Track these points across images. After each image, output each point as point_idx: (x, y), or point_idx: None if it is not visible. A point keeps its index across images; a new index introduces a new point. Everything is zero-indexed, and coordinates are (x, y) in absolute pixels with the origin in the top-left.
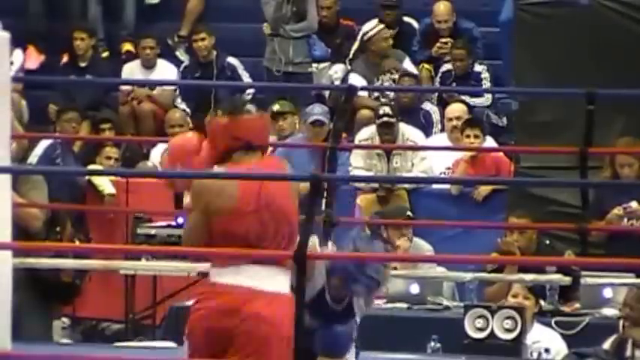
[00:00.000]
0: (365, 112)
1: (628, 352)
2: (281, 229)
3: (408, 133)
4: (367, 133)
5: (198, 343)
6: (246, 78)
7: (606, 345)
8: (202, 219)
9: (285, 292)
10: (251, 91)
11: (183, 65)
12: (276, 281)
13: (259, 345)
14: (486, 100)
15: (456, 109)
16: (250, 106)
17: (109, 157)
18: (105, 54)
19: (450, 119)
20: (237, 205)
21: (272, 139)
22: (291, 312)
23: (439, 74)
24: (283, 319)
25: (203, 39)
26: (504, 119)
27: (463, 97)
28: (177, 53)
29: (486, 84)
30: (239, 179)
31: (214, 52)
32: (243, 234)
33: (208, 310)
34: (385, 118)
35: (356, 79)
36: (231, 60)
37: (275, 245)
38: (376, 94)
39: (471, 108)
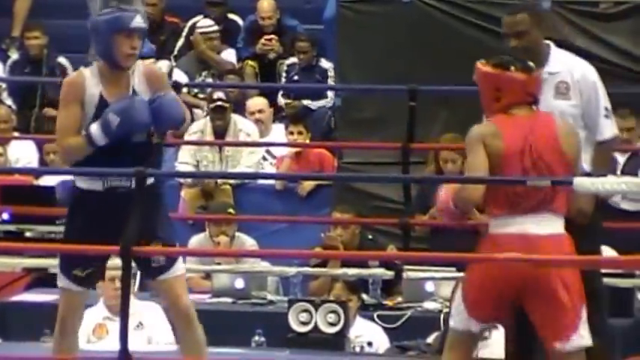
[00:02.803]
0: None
1: None
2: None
3: (241, 123)
4: (198, 126)
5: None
6: None
7: (430, 339)
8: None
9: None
10: None
11: (12, 60)
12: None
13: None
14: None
15: (257, 104)
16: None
17: None
18: None
19: (252, 113)
20: (505, 150)
21: None
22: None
23: (285, 67)
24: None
25: (36, 37)
26: None
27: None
28: (9, 52)
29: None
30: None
31: (45, 51)
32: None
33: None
34: (219, 102)
35: (180, 76)
36: (62, 60)
37: (540, 196)
38: (197, 90)
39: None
